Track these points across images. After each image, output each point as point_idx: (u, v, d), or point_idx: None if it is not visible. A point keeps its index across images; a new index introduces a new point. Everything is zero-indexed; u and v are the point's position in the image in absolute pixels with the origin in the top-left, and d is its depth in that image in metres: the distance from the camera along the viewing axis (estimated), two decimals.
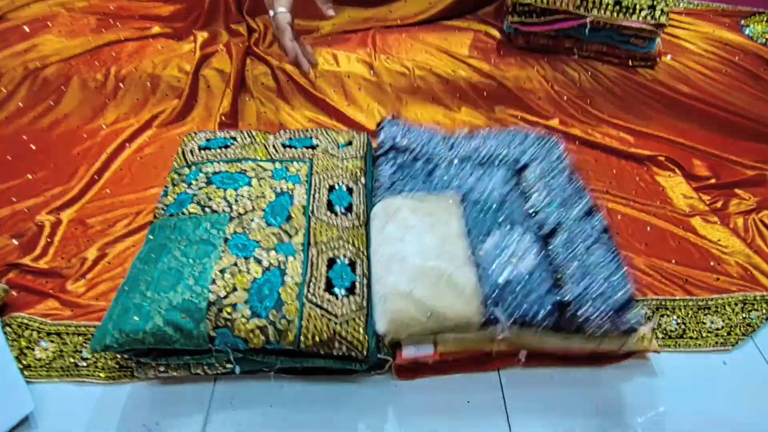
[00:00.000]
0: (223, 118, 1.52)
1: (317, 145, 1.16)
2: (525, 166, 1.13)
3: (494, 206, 1.04)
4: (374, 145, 1.26)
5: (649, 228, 1.27)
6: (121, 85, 1.59)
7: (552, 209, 1.03)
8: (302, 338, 0.84)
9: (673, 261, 1.19)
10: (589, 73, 1.61)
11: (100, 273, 1.15)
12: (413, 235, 0.98)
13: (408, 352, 0.92)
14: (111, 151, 1.44)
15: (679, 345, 1.03)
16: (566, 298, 0.87)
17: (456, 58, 1.63)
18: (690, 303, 1.10)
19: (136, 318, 0.83)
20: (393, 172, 1.11)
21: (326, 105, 1.57)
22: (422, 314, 0.87)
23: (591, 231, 0.99)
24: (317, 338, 0.84)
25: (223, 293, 0.86)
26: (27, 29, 1.70)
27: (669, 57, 1.63)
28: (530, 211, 1.03)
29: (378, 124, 1.28)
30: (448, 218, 1.01)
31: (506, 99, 1.60)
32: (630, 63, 1.60)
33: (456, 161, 1.14)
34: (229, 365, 0.89)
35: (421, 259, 0.93)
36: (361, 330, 0.87)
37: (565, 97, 1.61)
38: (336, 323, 0.86)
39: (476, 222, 1.00)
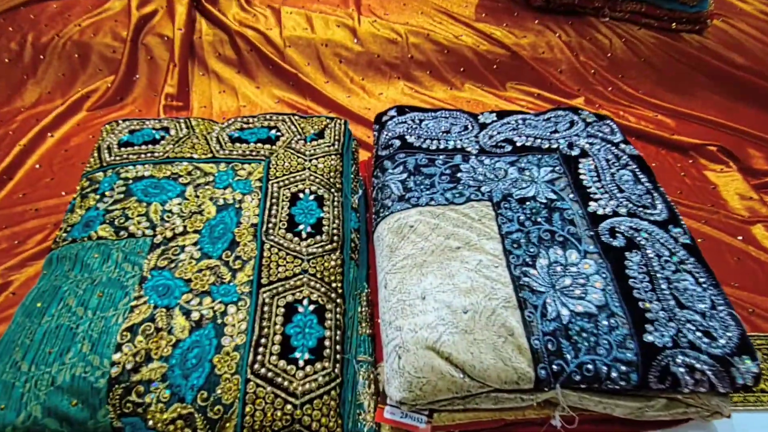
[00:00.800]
0: (169, 99, 1.22)
1: (277, 138, 0.88)
2: (578, 158, 0.86)
3: (542, 214, 0.78)
4: (365, 139, 0.98)
5: (700, 240, 1.02)
6: (41, 56, 1.27)
7: (623, 215, 0.77)
8: (245, 431, 0.59)
9: (734, 284, 0.94)
10: (623, 39, 1.31)
11: (1, 308, 0.88)
12: (435, 262, 0.72)
13: (392, 415, 0.68)
14: (26, 142, 1.15)
15: (749, 401, 0.79)
16: (653, 345, 0.63)
17: (459, 21, 1.32)
18: (759, 341, 0.86)
19: (1, 406, 0.57)
20: (405, 177, 0.83)
21: (299, 81, 1.27)
22: (454, 373, 0.62)
23: (675, 246, 0.73)
24: (268, 429, 0.59)
25: (130, 365, 0.60)
26: None
27: (720, 20, 1.33)
28: (592, 218, 0.77)
29: (379, 116, 0.99)
30: (480, 236, 0.75)
31: (521, 73, 1.31)
32: (673, 26, 1.30)
33: (485, 156, 0.87)
34: None
35: (450, 294, 0.68)
36: (332, 413, 0.62)
37: (593, 71, 1.31)
38: (295, 406, 0.60)
39: (519, 238, 0.75)
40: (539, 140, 0.91)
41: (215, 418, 0.59)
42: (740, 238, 1.03)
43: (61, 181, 1.10)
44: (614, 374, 0.63)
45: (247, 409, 0.59)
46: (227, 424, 0.59)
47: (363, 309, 0.79)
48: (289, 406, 0.60)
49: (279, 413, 0.60)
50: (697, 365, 0.63)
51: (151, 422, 0.58)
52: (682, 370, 0.63)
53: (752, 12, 1.37)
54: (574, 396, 0.67)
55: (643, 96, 1.31)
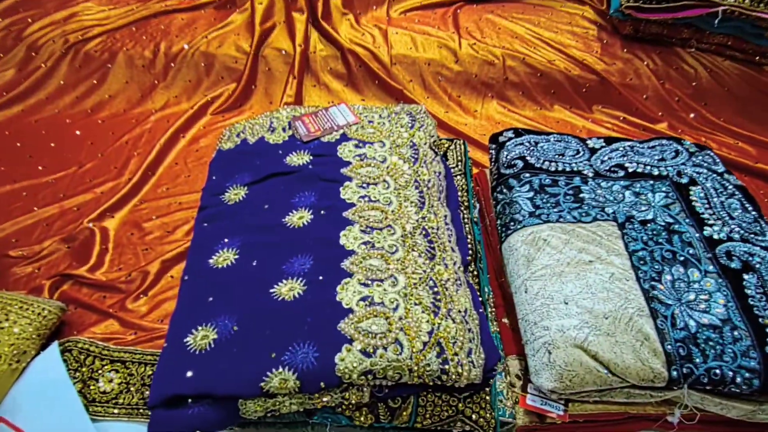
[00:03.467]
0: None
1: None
2: (688, 186, 0.96)
3: (663, 235, 0.87)
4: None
5: None
6: (172, 64, 1.41)
7: (736, 241, 0.86)
8: (418, 417, 0.70)
9: None
10: (708, 69, 1.39)
11: (163, 290, 1.01)
12: (573, 272, 0.82)
13: (533, 402, 0.78)
14: (164, 142, 1.29)
15: None
16: None
17: (552, 46, 1.42)
18: None
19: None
20: (532, 195, 0.94)
21: (402, 96, 1.39)
22: (600, 369, 0.72)
23: None
24: (436, 418, 0.70)
25: None
26: None
27: None
28: (709, 242, 0.87)
29: (495, 136, 1.09)
30: (609, 252, 0.85)
31: (608, 97, 1.40)
32: (757, 60, 1.38)
33: (601, 179, 0.97)
34: None
35: (590, 301, 0.78)
36: (487, 406, 0.72)
37: (677, 98, 1.40)
38: (458, 400, 0.71)
39: (644, 256, 0.84)
40: (649, 167, 1.01)
41: (394, 407, 0.70)
42: None
43: (196, 178, 1.23)
44: (738, 379, 0.72)
45: (420, 401, 0.70)
46: (404, 413, 0.70)
47: (491, 310, 0.89)
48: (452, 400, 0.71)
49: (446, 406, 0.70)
50: None
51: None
52: None
53: None
54: (696, 396, 0.75)
55: (724, 124, 1.39)
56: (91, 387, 0.87)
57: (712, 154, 1.06)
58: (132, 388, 0.87)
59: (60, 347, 0.89)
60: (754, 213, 0.92)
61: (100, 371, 0.88)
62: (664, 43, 1.41)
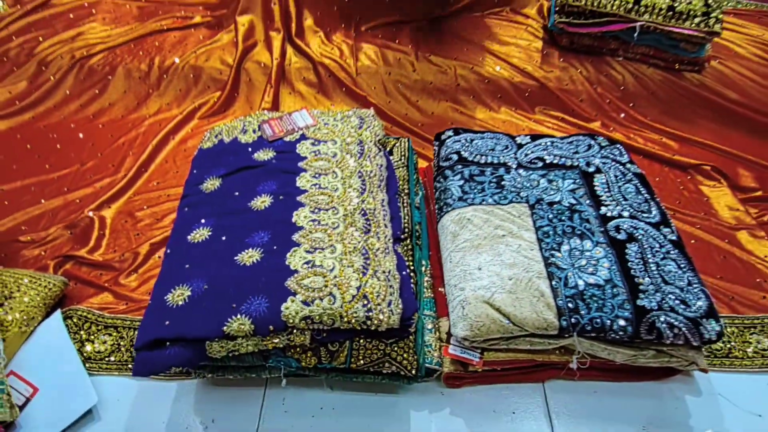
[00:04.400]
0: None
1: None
2: (594, 174, 1.13)
3: (566, 214, 1.04)
4: (420, 150, 1.26)
5: (693, 241, 1.27)
6: (164, 75, 1.60)
7: (625, 217, 1.03)
8: (352, 359, 0.86)
9: (719, 277, 1.19)
10: (634, 75, 1.57)
11: (151, 268, 1.18)
12: (488, 245, 0.99)
13: (454, 350, 0.95)
14: (156, 143, 1.47)
15: (725, 364, 1.03)
16: (644, 308, 0.88)
17: (498, 56, 1.60)
18: (736, 321, 1.10)
19: None
20: (462, 183, 1.11)
21: (366, 101, 1.57)
22: (502, 320, 0.89)
23: (664, 241, 0.99)
24: (368, 359, 0.87)
25: None
26: (72, 16, 1.71)
27: (717, 61, 1.59)
28: (603, 218, 1.04)
29: (439, 135, 1.28)
30: (520, 228, 1.02)
31: (548, 100, 1.58)
32: (676, 66, 1.56)
33: (522, 169, 1.15)
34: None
35: (498, 267, 0.95)
36: (411, 350, 0.89)
37: (608, 100, 1.58)
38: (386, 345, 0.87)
39: (548, 231, 1.02)
40: (564, 158, 1.18)
41: (333, 350, 0.87)
42: (726, 241, 1.27)
43: (183, 174, 1.40)
44: (615, 326, 0.89)
45: (354, 345, 0.87)
46: (341, 355, 0.87)
47: (427, 279, 1.07)
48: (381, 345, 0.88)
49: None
50: (675, 323, 0.88)
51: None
52: (664, 326, 0.88)
53: (746, 55, 1.62)
54: (586, 343, 0.92)
55: (650, 122, 1.56)
56: (88, 347, 1.04)
57: (620, 147, 1.23)
58: (122, 349, 1.04)
59: (62, 315, 1.06)
60: (646, 195, 1.09)
61: (95, 334, 1.06)
62: (595, 54, 1.60)
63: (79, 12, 1.72)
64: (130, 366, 1.01)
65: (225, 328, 0.79)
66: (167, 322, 0.82)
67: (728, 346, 1.05)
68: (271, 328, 0.80)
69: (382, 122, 1.21)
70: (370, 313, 0.81)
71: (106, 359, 1.02)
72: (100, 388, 0.97)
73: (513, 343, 0.93)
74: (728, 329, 1.08)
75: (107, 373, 1.01)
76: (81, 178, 1.38)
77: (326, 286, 0.83)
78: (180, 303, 0.84)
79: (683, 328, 0.88)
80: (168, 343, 0.81)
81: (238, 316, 0.80)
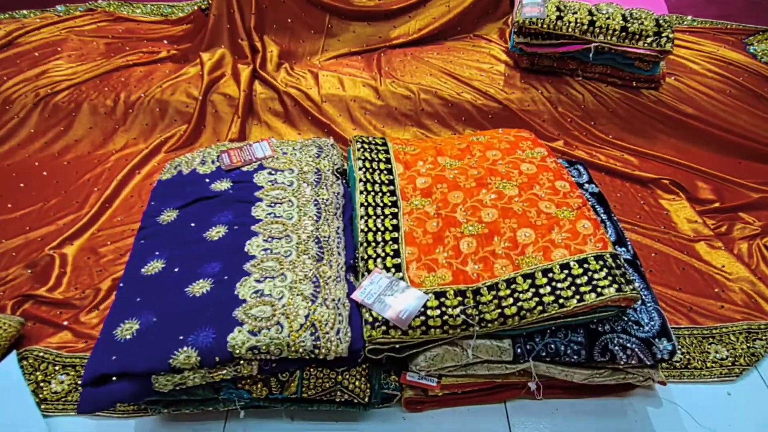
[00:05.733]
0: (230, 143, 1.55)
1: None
2: None
3: None
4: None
5: (654, 254, 1.28)
6: (130, 110, 1.61)
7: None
8: (303, 388, 0.86)
9: (678, 288, 1.20)
10: (593, 94, 1.62)
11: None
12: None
13: (412, 377, 0.94)
14: (121, 178, 1.47)
15: (684, 375, 1.03)
16: (597, 330, 0.88)
17: (460, 80, 1.65)
18: (695, 332, 1.10)
19: None
20: None
21: (331, 129, 1.59)
22: (455, 348, 0.88)
23: None
24: (319, 389, 0.86)
25: None
26: (37, 54, 1.73)
27: (673, 78, 1.64)
28: None
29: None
30: None
31: (511, 121, 1.61)
32: (634, 84, 1.61)
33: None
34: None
35: None
36: (363, 378, 0.88)
37: (569, 119, 1.62)
38: (337, 373, 0.87)
39: None
40: None
41: (283, 380, 0.86)
42: (686, 253, 1.29)
43: None
44: (569, 351, 0.88)
45: (304, 374, 0.86)
46: (292, 385, 0.86)
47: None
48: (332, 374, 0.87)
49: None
50: (628, 344, 0.88)
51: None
52: (617, 348, 0.88)
53: (700, 70, 1.68)
54: (543, 366, 0.92)
55: (611, 139, 1.60)
56: (44, 388, 1.02)
57: (580, 167, 1.26)
58: (80, 388, 1.02)
59: (18, 356, 1.04)
60: (603, 215, 1.11)
61: (52, 375, 1.03)
62: (555, 74, 1.65)
63: (45, 50, 1.75)
64: (77, 404, 0.99)
65: (171, 360, 0.78)
66: (114, 357, 0.81)
67: (687, 357, 1.05)
68: (217, 359, 0.79)
69: (341, 151, 1.22)
70: (318, 342, 0.81)
71: (63, 399, 1.00)
72: (58, 428, 0.95)
73: (471, 369, 0.93)
74: (687, 340, 1.08)
75: (64, 413, 0.98)
76: (44, 216, 1.37)
77: (274, 315, 0.83)
78: (128, 337, 0.83)
79: (636, 349, 0.88)
80: (114, 378, 0.80)
81: (185, 348, 0.79)
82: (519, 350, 0.89)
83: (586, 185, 1.19)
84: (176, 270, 0.94)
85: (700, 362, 1.04)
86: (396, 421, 0.97)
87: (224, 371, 0.81)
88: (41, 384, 1.02)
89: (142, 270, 0.96)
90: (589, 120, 1.62)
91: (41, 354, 1.06)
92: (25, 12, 2.02)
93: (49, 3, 2.05)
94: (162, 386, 0.80)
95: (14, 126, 1.58)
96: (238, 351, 0.79)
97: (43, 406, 0.98)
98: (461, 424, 0.97)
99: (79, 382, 1.01)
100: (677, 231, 1.35)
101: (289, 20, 1.74)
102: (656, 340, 0.88)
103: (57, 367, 1.05)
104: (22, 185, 1.46)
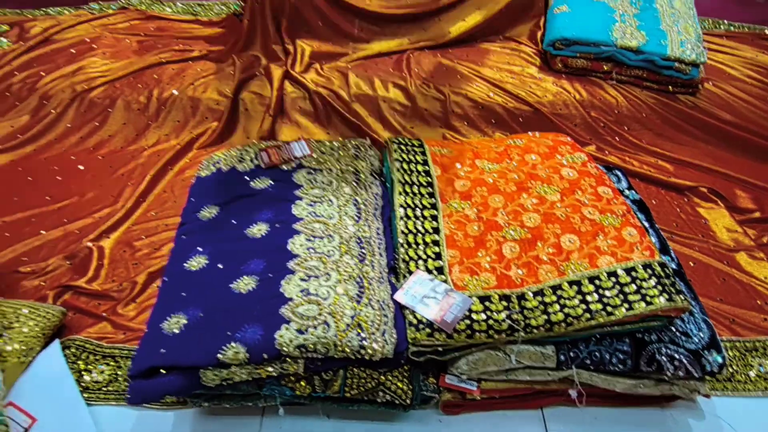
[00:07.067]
0: (260, 141, 1.55)
1: None
2: None
3: None
4: None
5: (692, 263, 1.26)
6: (162, 107, 1.63)
7: None
8: (346, 387, 0.86)
9: (719, 299, 1.18)
10: (627, 99, 1.59)
11: (149, 297, 1.18)
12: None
13: (451, 380, 0.93)
14: (154, 173, 1.49)
15: (727, 388, 1.01)
16: (643, 340, 0.87)
17: (491, 82, 1.63)
18: (738, 344, 1.08)
19: None
20: None
21: (361, 129, 1.59)
22: (498, 352, 0.88)
23: None
24: (362, 389, 0.86)
25: None
26: (73, 51, 1.76)
27: (710, 83, 1.61)
28: None
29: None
30: None
31: (542, 125, 1.60)
32: (670, 89, 1.58)
33: None
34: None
35: None
36: (405, 379, 0.88)
37: (603, 124, 1.60)
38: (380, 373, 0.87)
39: None
40: None
41: (327, 379, 0.86)
42: (726, 263, 1.27)
43: (181, 203, 1.41)
44: (614, 360, 0.87)
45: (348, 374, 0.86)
46: (335, 384, 0.86)
47: None
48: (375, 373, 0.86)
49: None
50: (676, 355, 0.86)
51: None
52: (664, 359, 0.86)
53: (739, 76, 1.65)
54: (585, 374, 0.91)
55: (645, 145, 1.58)
56: (86, 377, 1.03)
57: (618, 173, 1.24)
58: (120, 378, 1.03)
59: (61, 344, 1.05)
60: (645, 223, 1.10)
61: (93, 364, 1.05)
62: (588, 77, 1.63)
63: (80, 47, 1.77)
64: (127, 395, 1.00)
65: (220, 355, 0.79)
66: (162, 350, 0.81)
67: (731, 369, 1.03)
68: (264, 356, 0.80)
69: (377, 152, 1.22)
70: (364, 342, 0.81)
71: (104, 389, 1.02)
72: (98, 418, 0.96)
73: (512, 374, 0.92)
74: (730, 353, 1.06)
75: (105, 402, 1.00)
76: (81, 209, 1.39)
77: (321, 314, 0.83)
78: (176, 331, 0.84)
79: (684, 360, 0.86)
80: (163, 371, 0.81)
81: (233, 344, 0.79)
82: (563, 357, 0.88)
83: (626, 192, 1.18)
84: (220, 266, 0.95)
85: (743, 375, 1.02)
86: (431, 423, 0.96)
87: (271, 368, 0.81)
88: (83, 373, 1.03)
89: (185, 265, 0.97)
90: (622, 125, 1.60)
91: (82, 344, 1.07)
92: (59, 9, 2.05)
93: (83, 0, 2.08)
94: (210, 380, 0.80)
95: (51, 121, 1.60)
96: (285, 349, 0.79)
97: (85, 395, 1.00)
98: (497, 429, 0.96)
99: (119, 373, 1.03)
100: (716, 240, 1.32)
101: (320, 23, 1.75)
102: (705, 352, 0.87)
103: (98, 357, 1.06)
104: (59, 178, 1.48)
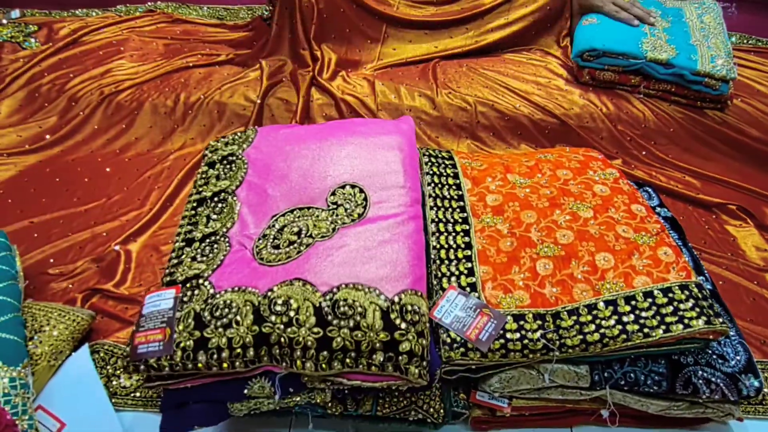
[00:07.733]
0: None
1: None
2: None
3: None
4: None
5: (721, 282, 1.24)
6: (189, 111, 1.64)
7: None
8: (378, 406, 0.85)
9: (749, 319, 1.16)
10: (654, 113, 1.58)
11: None
12: None
13: (482, 397, 0.93)
14: (181, 177, 1.50)
15: (759, 412, 1.00)
16: (679, 362, 0.86)
17: (518, 94, 1.63)
18: None
19: None
20: None
21: None
22: (531, 371, 0.87)
23: None
24: (394, 407, 0.85)
25: None
26: (101, 53, 1.78)
27: (739, 99, 1.59)
28: None
29: None
30: None
31: (568, 137, 1.59)
32: (698, 104, 1.57)
33: None
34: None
35: None
36: (437, 398, 0.87)
37: (629, 138, 1.59)
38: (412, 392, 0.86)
39: None
40: None
41: (359, 398, 0.85)
42: (756, 282, 1.25)
43: None
44: (649, 381, 0.86)
45: (380, 393, 0.85)
46: (367, 403, 0.85)
47: None
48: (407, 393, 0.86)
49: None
50: (712, 379, 0.85)
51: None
52: (700, 381, 0.85)
53: (767, 92, 1.63)
54: (619, 395, 0.90)
55: (672, 160, 1.56)
56: (114, 382, 1.04)
57: (649, 189, 1.23)
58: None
59: (89, 349, 1.06)
60: (678, 242, 1.08)
61: (121, 369, 1.05)
62: (615, 90, 1.62)
63: (108, 49, 1.79)
64: (155, 402, 1.01)
65: (246, 391, 0.79)
66: (189, 385, 0.82)
67: (763, 392, 1.01)
68: (291, 389, 0.80)
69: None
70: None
71: (132, 394, 1.02)
72: (126, 423, 0.96)
73: (544, 392, 0.91)
74: (762, 375, 1.04)
75: (132, 408, 1.01)
76: (108, 212, 1.41)
77: None
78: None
79: (721, 384, 0.85)
80: (191, 403, 0.82)
81: (258, 379, 0.80)
82: (597, 377, 0.87)
83: (658, 209, 1.16)
84: None
85: None
86: None
87: (298, 398, 0.81)
88: (111, 378, 1.04)
89: None
90: (649, 139, 1.59)
91: (111, 348, 1.08)
92: (86, 11, 2.08)
93: (110, 2, 2.11)
94: (237, 411, 0.82)
95: (79, 122, 1.62)
96: (311, 383, 0.79)
97: (113, 400, 1.00)
98: None
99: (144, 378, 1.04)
100: (746, 259, 1.31)
101: (348, 30, 1.75)
102: (742, 376, 0.86)
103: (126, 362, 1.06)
104: (86, 180, 1.50)
